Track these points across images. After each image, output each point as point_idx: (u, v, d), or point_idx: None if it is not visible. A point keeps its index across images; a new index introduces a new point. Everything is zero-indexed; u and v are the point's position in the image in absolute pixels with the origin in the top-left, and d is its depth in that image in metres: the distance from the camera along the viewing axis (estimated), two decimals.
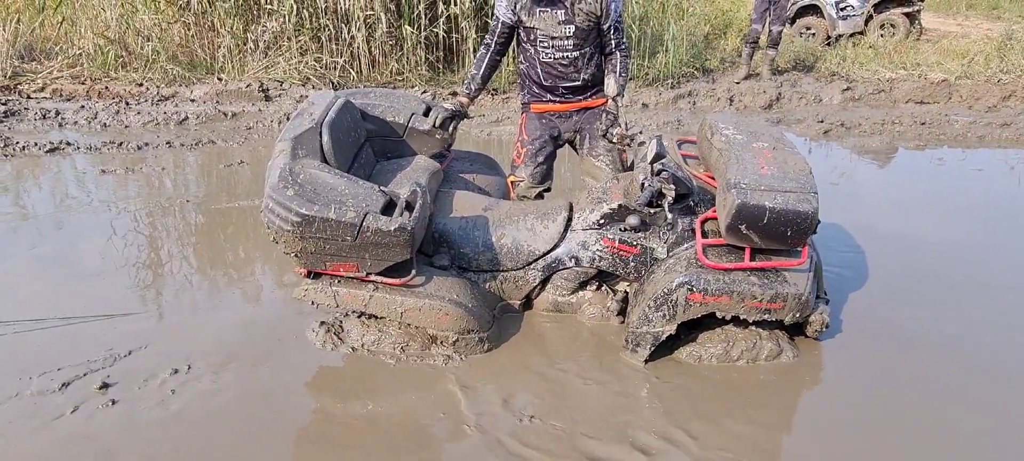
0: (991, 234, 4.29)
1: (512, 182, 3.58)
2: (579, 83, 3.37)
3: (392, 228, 2.47)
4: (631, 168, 3.20)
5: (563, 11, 3.16)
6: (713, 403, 2.64)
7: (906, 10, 9.82)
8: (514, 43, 3.47)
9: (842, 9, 9.99)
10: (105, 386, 2.62)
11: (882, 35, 9.82)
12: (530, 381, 2.76)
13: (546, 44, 3.25)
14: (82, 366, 2.73)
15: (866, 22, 9.91)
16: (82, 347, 2.86)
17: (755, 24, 8.14)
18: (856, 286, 3.56)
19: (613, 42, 3.29)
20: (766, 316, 2.67)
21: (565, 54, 3.26)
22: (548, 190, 3.63)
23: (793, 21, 10.38)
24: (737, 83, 8.08)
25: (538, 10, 3.19)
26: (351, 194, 2.53)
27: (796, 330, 2.95)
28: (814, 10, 10.26)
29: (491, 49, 3.38)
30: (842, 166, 5.85)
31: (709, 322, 2.87)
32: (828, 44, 9.88)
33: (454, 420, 2.52)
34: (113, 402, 2.54)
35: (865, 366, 2.90)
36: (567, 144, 3.62)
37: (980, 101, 7.71)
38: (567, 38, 3.21)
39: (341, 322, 2.98)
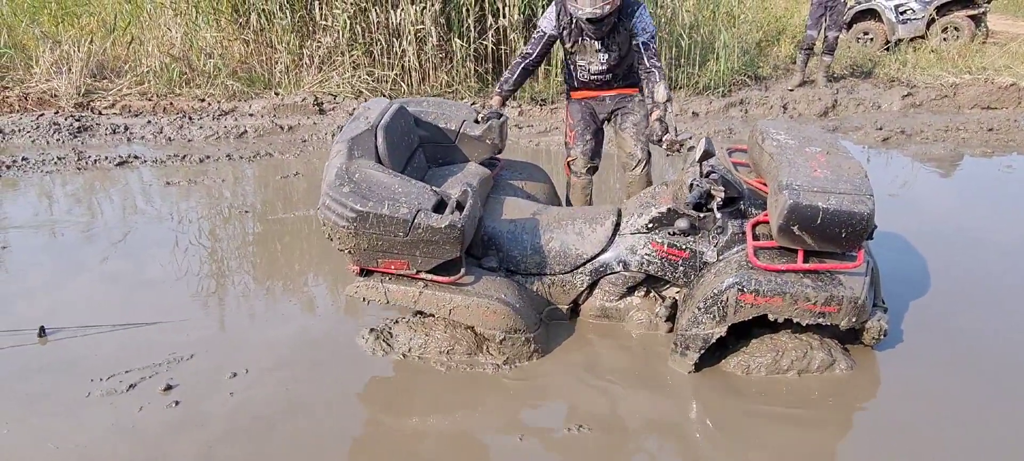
0: None
1: (568, 163, 3.81)
2: (613, 86, 3.68)
3: (443, 225, 2.52)
4: (656, 143, 3.24)
5: (600, 43, 3.46)
6: (762, 415, 2.59)
7: (971, 12, 9.41)
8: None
9: (902, 13, 9.64)
10: (169, 388, 2.74)
11: (945, 39, 9.44)
12: (578, 390, 2.76)
13: (583, 62, 3.58)
14: (148, 369, 2.86)
15: (927, 26, 9.53)
16: (148, 351, 2.99)
17: (810, 30, 7.95)
18: (920, 297, 3.43)
19: (646, 60, 3.40)
20: (820, 320, 2.60)
21: (600, 76, 3.60)
22: (596, 168, 3.83)
23: (850, 26, 10.08)
24: (791, 90, 7.90)
25: (580, 39, 3.48)
26: (404, 192, 2.60)
27: (853, 339, 2.86)
28: (872, 14, 9.94)
29: (528, 59, 3.60)
30: (903, 174, 5.65)
31: (758, 331, 2.82)
32: (887, 49, 9.57)
33: (503, 429, 2.54)
34: (176, 403, 2.65)
35: (925, 381, 2.80)
36: (605, 122, 3.88)
37: None
38: (602, 63, 3.54)
39: (390, 328, 3.04)
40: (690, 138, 3.03)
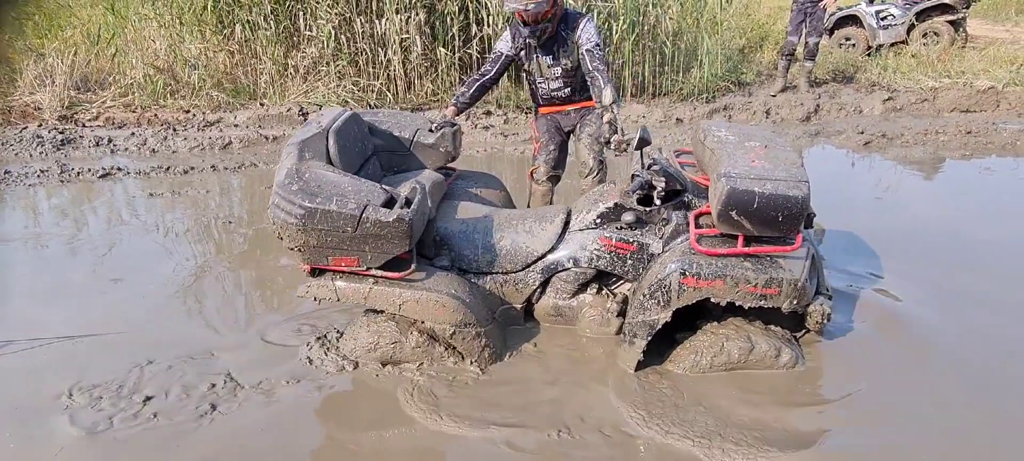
0: None
1: (531, 172, 3.98)
2: (574, 101, 3.85)
3: (391, 219, 2.54)
4: (606, 144, 3.32)
5: (551, 57, 3.66)
6: (728, 405, 2.66)
7: (950, 18, 9.55)
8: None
9: (883, 19, 9.78)
10: (148, 399, 2.73)
11: (925, 44, 9.57)
12: (525, 397, 2.78)
13: (542, 81, 3.79)
14: (127, 380, 2.85)
15: (908, 31, 9.67)
16: (127, 361, 2.98)
17: (791, 36, 8.05)
18: (901, 293, 3.48)
19: (589, 65, 3.50)
20: (762, 302, 2.66)
21: (558, 91, 3.80)
22: (558, 178, 3.97)
23: (832, 32, 10.22)
24: (773, 96, 7.98)
25: (534, 56, 3.68)
26: (354, 190, 2.62)
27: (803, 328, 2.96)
28: (854, 21, 10.08)
29: (485, 76, 3.74)
30: (885, 177, 5.72)
31: (719, 323, 2.90)
32: (868, 54, 9.69)
33: (485, 434, 2.56)
34: (154, 415, 2.64)
35: (890, 376, 2.85)
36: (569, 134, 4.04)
37: None
38: (557, 78, 3.73)
39: (338, 336, 3.10)
40: (635, 137, 3.09)
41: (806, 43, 8.06)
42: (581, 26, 3.55)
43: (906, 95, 7.95)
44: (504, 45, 3.70)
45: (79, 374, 2.89)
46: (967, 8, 9.71)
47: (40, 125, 6.86)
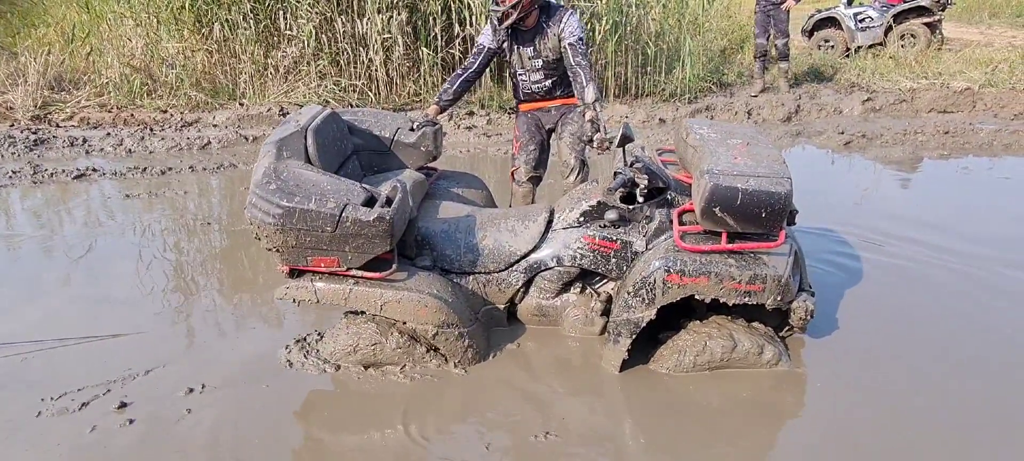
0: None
1: (512, 172, 3.95)
2: (556, 96, 3.84)
3: (371, 218, 2.50)
4: (588, 142, 3.33)
5: (532, 48, 3.65)
6: (699, 411, 2.64)
7: (926, 20, 9.71)
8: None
9: (861, 21, 9.91)
10: (123, 406, 2.65)
11: (902, 46, 9.71)
12: (509, 399, 2.75)
13: (523, 74, 3.77)
14: (102, 386, 2.77)
15: (885, 33, 9.81)
16: (103, 366, 2.91)
17: (758, 38, 8.17)
18: (878, 294, 3.50)
19: (571, 59, 3.52)
20: (746, 299, 2.65)
21: (539, 84, 3.77)
22: (539, 179, 3.95)
23: (811, 34, 10.34)
24: (754, 96, 8.03)
25: (516, 47, 3.68)
26: (332, 189, 2.57)
27: (785, 325, 2.95)
28: (832, 22, 10.20)
29: (468, 70, 3.73)
30: (865, 177, 5.77)
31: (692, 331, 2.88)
32: (847, 56, 9.81)
33: (437, 442, 2.52)
34: (130, 421, 2.57)
35: (864, 376, 2.85)
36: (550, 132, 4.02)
37: (1006, 109, 7.59)
38: (537, 70, 3.72)
39: (318, 338, 3.05)
40: (618, 136, 3.08)
41: (775, 45, 8.15)
42: (564, 19, 3.54)
43: (885, 96, 8.04)
44: (486, 39, 3.69)
45: (53, 380, 2.81)
46: (943, 11, 9.87)
47: (12, 125, 6.72)
